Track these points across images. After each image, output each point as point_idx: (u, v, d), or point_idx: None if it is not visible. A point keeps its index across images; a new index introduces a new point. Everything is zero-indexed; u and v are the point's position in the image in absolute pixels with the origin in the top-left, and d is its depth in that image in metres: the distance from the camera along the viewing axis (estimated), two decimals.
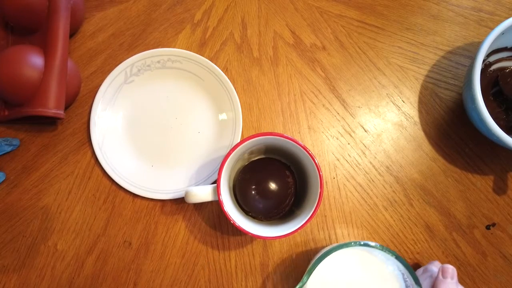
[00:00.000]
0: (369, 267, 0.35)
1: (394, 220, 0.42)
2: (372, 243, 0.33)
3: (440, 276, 0.34)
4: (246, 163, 0.40)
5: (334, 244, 0.35)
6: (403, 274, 0.34)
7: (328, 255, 0.33)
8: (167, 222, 0.42)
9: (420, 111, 0.44)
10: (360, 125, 0.44)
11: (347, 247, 0.33)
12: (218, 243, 0.41)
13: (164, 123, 0.44)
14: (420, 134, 0.44)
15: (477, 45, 0.39)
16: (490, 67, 0.43)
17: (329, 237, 0.41)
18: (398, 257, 0.33)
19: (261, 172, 0.39)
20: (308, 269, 0.34)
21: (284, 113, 0.44)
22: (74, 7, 0.43)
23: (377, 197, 0.42)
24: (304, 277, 0.33)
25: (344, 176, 0.43)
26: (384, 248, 0.33)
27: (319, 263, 0.34)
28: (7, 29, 0.44)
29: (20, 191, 0.42)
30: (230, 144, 0.42)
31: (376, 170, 0.43)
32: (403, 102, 0.45)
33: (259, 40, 0.46)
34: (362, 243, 0.33)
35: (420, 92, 0.45)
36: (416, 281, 0.32)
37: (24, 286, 0.40)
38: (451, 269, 0.34)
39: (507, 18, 0.37)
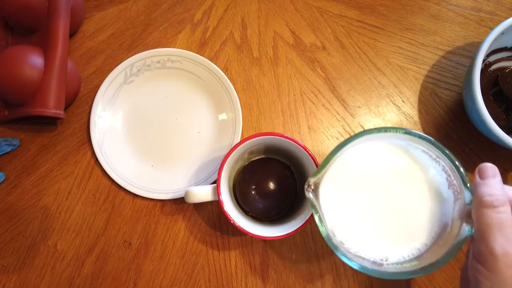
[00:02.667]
0: (405, 169, 0.31)
1: None
2: (415, 131, 0.29)
3: (478, 179, 0.27)
4: (246, 163, 0.40)
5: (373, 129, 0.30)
6: (447, 177, 0.29)
7: (363, 136, 0.29)
8: (167, 222, 0.42)
9: (420, 111, 0.44)
10: (360, 125, 0.44)
11: (386, 132, 0.29)
12: (218, 243, 0.41)
13: (164, 123, 0.44)
14: None
15: (477, 45, 0.39)
16: (490, 67, 0.43)
17: None
18: (444, 152, 0.28)
19: (261, 172, 0.39)
20: (332, 150, 0.30)
21: (284, 113, 0.44)
22: (74, 7, 0.43)
23: None
24: (329, 156, 0.29)
25: None
26: (428, 138, 0.29)
27: (348, 144, 0.29)
28: (7, 29, 0.44)
29: (20, 191, 0.42)
30: (230, 144, 0.42)
31: None
32: (403, 102, 0.45)
33: (259, 40, 0.46)
34: (404, 130, 0.29)
35: (420, 92, 0.45)
36: (465, 182, 0.27)
37: (24, 286, 0.40)
38: (489, 167, 0.27)
39: (507, 18, 0.37)
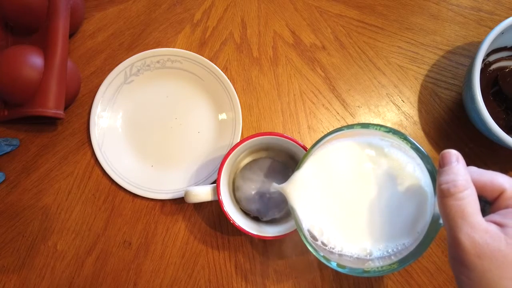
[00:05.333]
0: (382, 166, 0.30)
1: None
2: (394, 130, 0.28)
3: (439, 168, 0.25)
4: (246, 163, 0.40)
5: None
6: (423, 172, 0.28)
7: (339, 131, 0.29)
8: (167, 222, 0.42)
9: (419, 111, 0.44)
10: None
11: (364, 128, 0.29)
12: (218, 243, 0.41)
13: (164, 123, 0.44)
14: (420, 134, 0.44)
15: (477, 45, 0.39)
16: (490, 66, 0.43)
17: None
18: (413, 145, 0.27)
19: (261, 172, 0.39)
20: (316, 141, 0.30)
21: (284, 113, 0.44)
22: (73, 7, 0.43)
23: None
24: (311, 149, 0.30)
25: None
26: (398, 132, 0.28)
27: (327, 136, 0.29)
28: (7, 29, 0.44)
29: (20, 191, 0.42)
30: (230, 144, 0.42)
31: None
32: (403, 101, 0.45)
33: (258, 40, 0.46)
34: (382, 128, 0.29)
35: (420, 92, 0.45)
36: (432, 174, 0.26)
37: (24, 286, 0.40)
38: (448, 153, 0.25)
39: (506, 17, 0.37)
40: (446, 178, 0.23)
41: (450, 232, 0.23)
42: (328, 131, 0.31)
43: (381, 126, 0.29)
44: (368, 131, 0.30)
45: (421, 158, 0.28)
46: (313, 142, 0.31)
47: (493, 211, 0.25)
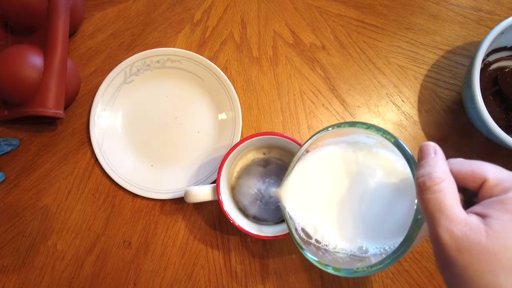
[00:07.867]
0: (373, 165, 0.30)
1: None
2: (376, 127, 0.28)
3: (418, 162, 0.24)
4: (246, 163, 0.40)
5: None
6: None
7: (330, 129, 0.29)
8: (167, 222, 0.42)
9: (419, 111, 0.44)
10: None
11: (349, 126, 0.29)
12: (218, 243, 0.41)
13: (164, 123, 0.44)
14: (420, 133, 0.44)
15: (477, 45, 0.39)
16: (490, 66, 0.43)
17: None
18: (396, 141, 0.26)
19: (261, 172, 0.39)
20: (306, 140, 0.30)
21: (284, 112, 0.44)
22: (73, 7, 0.43)
23: None
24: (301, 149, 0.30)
25: None
26: (381, 130, 0.27)
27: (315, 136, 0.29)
28: (7, 29, 0.44)
29: (20, 191, 0.42)
30: (230, 143, 0.42)
31: None
32: (403, 101, 0.45)
33: (258, 39, 0.46)
34: (366, 125, 0.28)
35: (420, 92, 0.45)
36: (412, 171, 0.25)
37: (24, 286, 0.40)
38: (426, 145, 0.24)
39: (506, 17, 0.37)
40: (422, 171, 0.23)
41: (430, 227, 0.21)
42: (316, 131, 0.31)
43: (363, 123, 0.29)
44: (353, 130, 0.30)
45: (401, 154, 0.27)
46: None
47: (477, 202, 0.23)
